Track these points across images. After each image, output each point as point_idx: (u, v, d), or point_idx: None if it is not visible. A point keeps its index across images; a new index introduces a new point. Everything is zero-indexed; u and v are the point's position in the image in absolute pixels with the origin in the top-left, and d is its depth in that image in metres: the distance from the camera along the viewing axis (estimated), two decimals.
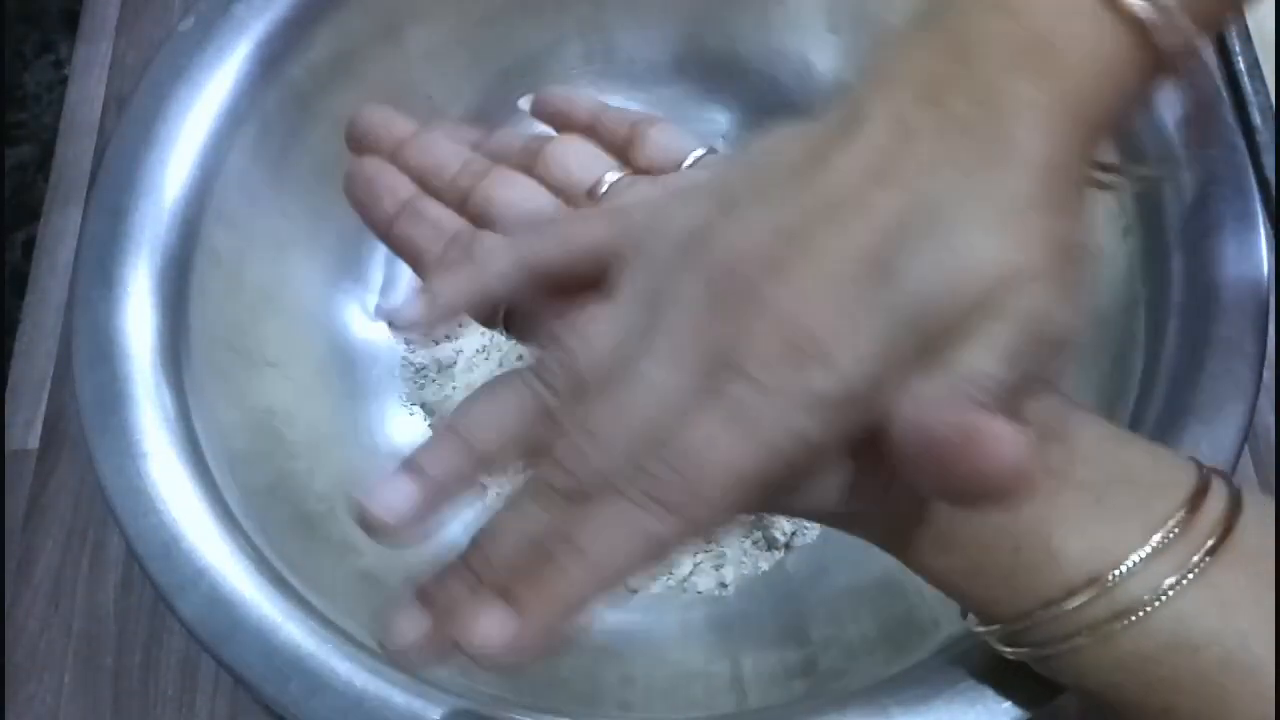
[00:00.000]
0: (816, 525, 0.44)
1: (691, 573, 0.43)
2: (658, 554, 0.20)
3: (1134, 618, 0.22)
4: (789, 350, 0.19)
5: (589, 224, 0.25)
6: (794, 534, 0.44)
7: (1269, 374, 0.32)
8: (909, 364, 0.20)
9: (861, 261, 0.20)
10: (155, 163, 0.37)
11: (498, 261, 0.25)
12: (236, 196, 0.39)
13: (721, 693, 0.38)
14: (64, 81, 0.55)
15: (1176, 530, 0.22)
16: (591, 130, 0.29)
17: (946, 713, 0.29)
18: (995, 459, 0.19)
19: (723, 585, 0.43)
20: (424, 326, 0.24)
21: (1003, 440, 0.19)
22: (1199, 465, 0.24)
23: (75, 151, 0.54)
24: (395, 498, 0.22)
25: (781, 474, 0.20)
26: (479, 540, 0.22)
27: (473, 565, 0.21)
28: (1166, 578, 0.22)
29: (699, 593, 0.43)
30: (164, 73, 0.38)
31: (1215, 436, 0.31)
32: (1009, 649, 0.25)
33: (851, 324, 0.19)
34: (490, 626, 0.20)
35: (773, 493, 0.21)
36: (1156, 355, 0.33)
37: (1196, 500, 0.23)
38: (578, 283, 0.24)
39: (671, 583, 0.43)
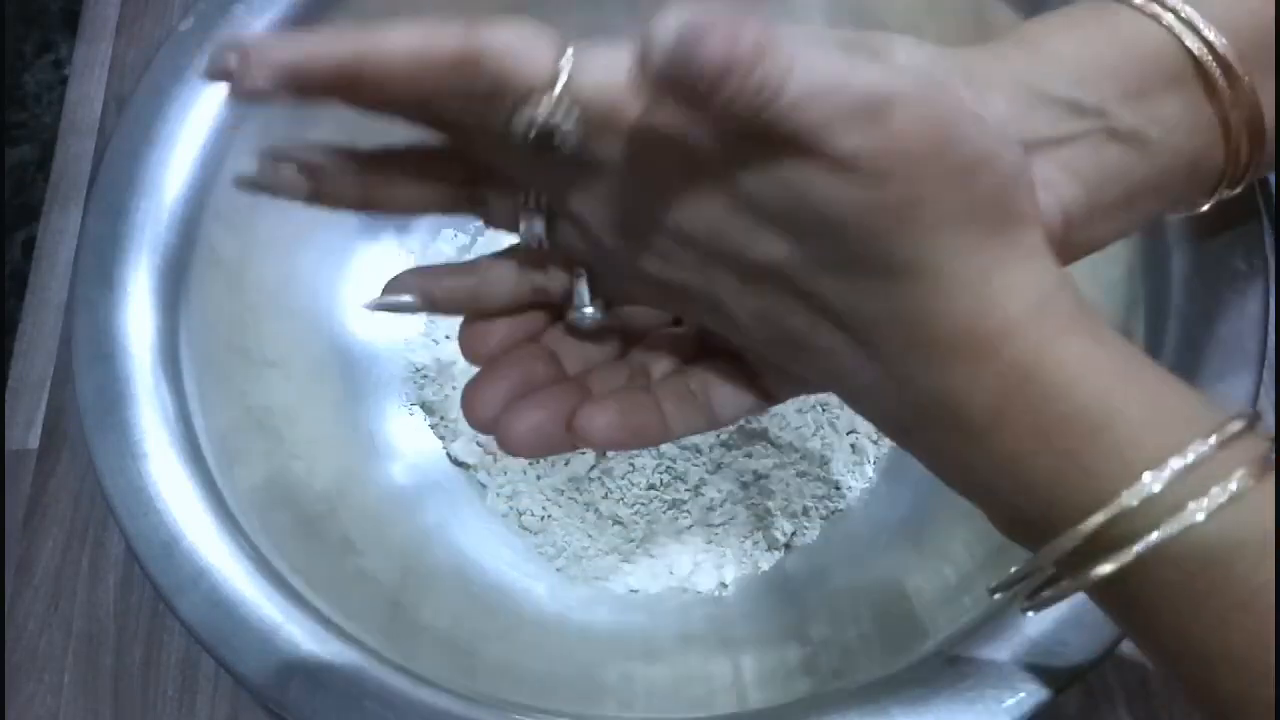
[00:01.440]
0: (817, 525, 0.44)
1: (691, 573, 0.43)
2: None
3: (1200, 516, 0.21)
4: None
5: None
6: (794, 534, 0.44)
7: (1269, 374, 0.32)
8: None
9: None
10: (155, 163, 0.37)
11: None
12: (236, 196, 0.39)
13: (721, 693, 0.38)
14: (64, 81, 0.55)
15: (1237, 435, 0.21)
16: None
17: (946, 713, 0.29)
18: (725, 39, 0.18)
19: (723, 585, 0.43)
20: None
21: (718, 25, 0.18)
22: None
23: (75, 151, 0.54)
24: None
25: None
26: None
27: None
28: (1235, 473, 0.21)
29: (699, 593, 0.43)
30: (164, 73, 0.38)
31: None
32: (1066, 578, 0.23)
33: None
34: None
35: None
36: (1156, 355, 0.33)
37: (1252, 420, 0.22)
38: None
39: (672, 583, 0.43)
